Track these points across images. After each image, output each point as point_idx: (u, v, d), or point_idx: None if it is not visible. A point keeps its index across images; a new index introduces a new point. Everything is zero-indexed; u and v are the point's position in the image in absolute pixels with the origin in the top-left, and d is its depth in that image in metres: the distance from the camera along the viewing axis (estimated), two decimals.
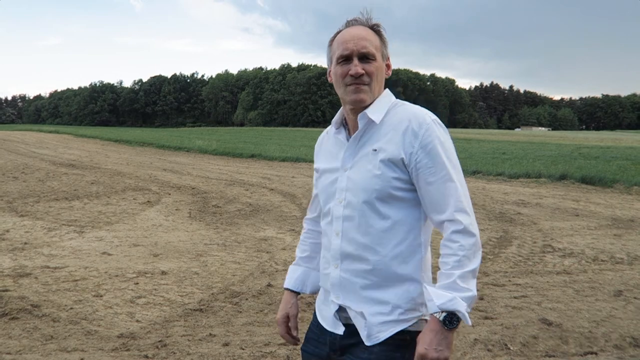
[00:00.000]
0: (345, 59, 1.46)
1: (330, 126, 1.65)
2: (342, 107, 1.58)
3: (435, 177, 1.39)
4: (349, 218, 1.48)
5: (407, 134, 1.42)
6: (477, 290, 4.58)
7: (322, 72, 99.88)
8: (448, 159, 1.41)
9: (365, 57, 1.45)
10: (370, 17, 1.51)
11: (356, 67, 1.44)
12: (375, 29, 1.51)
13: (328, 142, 1.63)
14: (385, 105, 1.50)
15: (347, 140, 1.53)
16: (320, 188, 1.61)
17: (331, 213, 1.53)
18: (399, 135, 1.43)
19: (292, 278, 1.73)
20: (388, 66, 1.55)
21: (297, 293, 1.71)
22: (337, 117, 1.60)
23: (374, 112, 1.48)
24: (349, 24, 1.51)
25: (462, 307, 1.31)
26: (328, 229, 1.56)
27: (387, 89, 1.55)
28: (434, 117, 1.47)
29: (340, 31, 1.52)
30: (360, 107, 1.47)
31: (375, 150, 1.45)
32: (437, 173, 1.39)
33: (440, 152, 1.40)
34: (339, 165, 1.53)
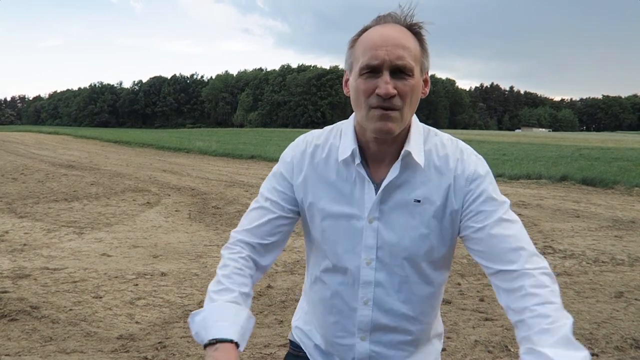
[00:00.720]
0: (372, 70, 1.08)
1: (321, 139, 1.26)
2: (351, 125, 1.22)
3: (496, 225, 1.12)
4: (383, 284, 1.20)
5: (458, 179, 1.16)
6: (478, 292, 4.56)
7: (322, 73, 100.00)
8: (499, 198, 1.17)
9: (399, 72, 1.08)
10: (410, 14, 1.12)
11: (387, 85, 1.06)
12: (415, 29, 1.12)
13: (328, 168, 1.22)
14: (420, 138, 1.19)
15: (368, 176, 1.18)
16: (328, 237, 1.23)
17: (351, 274, 1.21)
18: (447, 180, 1.16)
19: (236, 323, 1.07)
20: (426, 82, 1.18)
21: (237, 346, 1.05)
22: (348, 138, 1.20)
23: (416, 149, 1.16)
24: (380, 20, 1.13)
25: None
26: (345, 290, 1.23)
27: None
28: (473, 150, 1.24)
29: (367, 28, 1.14)
30: (386, 137, 1.14)
31: (419, 201, 1.16)
32: (495, 217, 1.13)
33: (493, 194, 1.16)
34: (358, 213, 1.18)
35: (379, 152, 1.18)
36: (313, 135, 1.29)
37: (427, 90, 1.20)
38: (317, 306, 1.32)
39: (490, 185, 1.17)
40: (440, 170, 1.17)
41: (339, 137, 1.24)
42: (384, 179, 1.17)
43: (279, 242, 1.27)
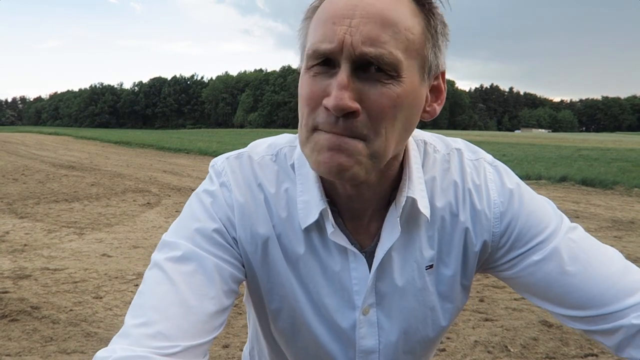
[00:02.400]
0: (324, 61, 0.64)
1: (266, 180, 0.79)
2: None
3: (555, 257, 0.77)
4: None
5: (478, 218, 0.78)
6: (478, 292, 4.57)
7: None
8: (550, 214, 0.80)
9: (367, 66, 0.63)
10: None
11: (341, 90, 0.61)
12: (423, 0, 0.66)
13: (293, 238, 0.77)
14: (420, 169, 0.77)
15: (351, 244, 0.76)
16: (297, 346, 0.85)
17: None
18: (464, 225, 0.78)
19: None
20: (438, 89, 0.72)
21: None
22: (310, 188, 0.75)
23: (420, 193, 0.75)
24: None
25: None
26: None
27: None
28: (490, 157, 0.84)
29: None
30: (341, 180, 0.69)
31: (431, 266, 0.80)
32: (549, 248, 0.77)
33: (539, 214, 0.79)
34: (348, 303, 0.79)
35: (357, 199, 0.75)
36: (253, 170, 0.80)
37: (438, 107, 0.73)
38: None
39: (524, 197, 0.79)
40: (448, 208, 0.78)
41: (293, 177, 0.78)
42: (373, 244, 0.78)
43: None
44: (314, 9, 0.69)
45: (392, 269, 0.77)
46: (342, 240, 0.75)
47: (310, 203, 0.74)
